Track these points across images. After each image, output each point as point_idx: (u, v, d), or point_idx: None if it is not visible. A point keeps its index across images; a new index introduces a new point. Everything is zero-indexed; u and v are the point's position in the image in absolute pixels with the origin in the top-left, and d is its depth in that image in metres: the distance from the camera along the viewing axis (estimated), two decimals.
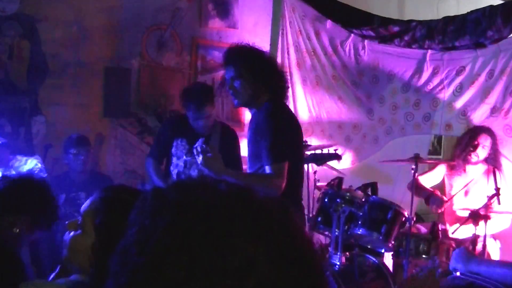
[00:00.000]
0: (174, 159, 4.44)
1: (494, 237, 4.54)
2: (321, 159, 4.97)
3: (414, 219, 4.41)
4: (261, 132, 3.34)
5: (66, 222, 1.90)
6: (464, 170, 4.78)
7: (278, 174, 3.22)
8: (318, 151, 5.05)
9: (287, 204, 0.88)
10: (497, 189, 4.21)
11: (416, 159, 4.48)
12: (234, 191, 0.85)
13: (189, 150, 4.29)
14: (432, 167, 5.15)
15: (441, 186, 5.05)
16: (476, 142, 4.66)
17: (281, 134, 3.32)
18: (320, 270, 0.85)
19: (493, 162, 4.65)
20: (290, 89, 6.03)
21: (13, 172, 4.07)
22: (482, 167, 4.74)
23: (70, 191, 4.61)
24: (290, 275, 0.79)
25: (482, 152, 4.67)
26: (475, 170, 4.77)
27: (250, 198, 0.85)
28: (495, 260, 4.15)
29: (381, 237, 4.08)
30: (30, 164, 4.45)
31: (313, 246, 0.87)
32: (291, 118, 3.57)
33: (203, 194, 0.84)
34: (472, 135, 4.73)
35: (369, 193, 4.58)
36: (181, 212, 0.81)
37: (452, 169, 4.90)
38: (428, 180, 4.97)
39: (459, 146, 4.83)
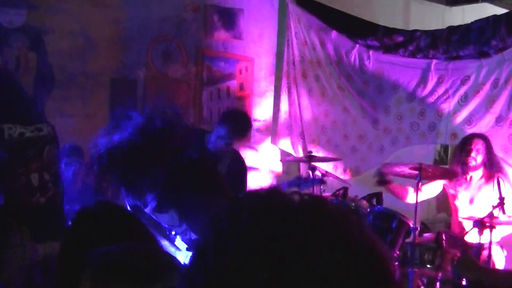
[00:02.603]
0: None
1: (501, 245, 4.51)
2: None
3: (419, 228, 4.40)
4: None
5: None
6: (466, 179, 4.75)
7: None
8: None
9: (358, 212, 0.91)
10: (502, 199, 4.19)
11: (420, 168, 4.46)
12: (309, 199, 0.87)
13: None
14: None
15: (445, 200, 5.03)
16: (469, 147, 4.65)
17: None
18: (394, 277, 0.86)
19: (493, 167, 4.63)
20: (296, 100, 6.13)
21: None
22: (483, 173, 4.70)
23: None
24: (370, 281, 0.80)
25: (477, 155, 4.65)
26: (476, 177, 4.73)
27: (327, 205, 0.86)
28: (499, 269, 4.14)
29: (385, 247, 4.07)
30: None
31: (388, 254, 0.88)
32: None
33: (282, 200, 0.86)
34: (464, 141, 4.75)
35: (374, 202, 4.59)
36: (264, 216, 0.83)
37: (453, 179, 4.86)
38: (427, 191, 4.91)
39: (456, 154, 4.85)
